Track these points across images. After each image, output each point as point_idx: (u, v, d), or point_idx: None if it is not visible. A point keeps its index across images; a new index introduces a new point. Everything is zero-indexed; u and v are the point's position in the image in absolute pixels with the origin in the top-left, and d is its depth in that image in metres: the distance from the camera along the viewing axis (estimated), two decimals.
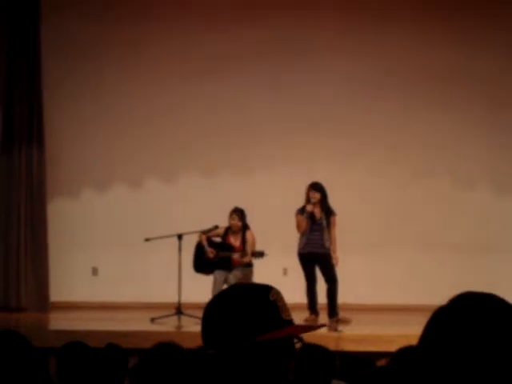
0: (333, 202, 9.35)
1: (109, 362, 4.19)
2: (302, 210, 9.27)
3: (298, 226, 9.28)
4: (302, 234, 9.26)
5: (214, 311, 1.81)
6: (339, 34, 11.30)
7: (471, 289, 1.49)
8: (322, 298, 9.26)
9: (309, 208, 9.19)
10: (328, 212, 9.30)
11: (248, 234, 9.49)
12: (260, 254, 9.10)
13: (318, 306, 9.27)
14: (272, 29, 11.32)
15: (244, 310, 1.76)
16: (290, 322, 1.81)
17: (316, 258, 9.25)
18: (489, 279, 10.05)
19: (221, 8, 11.41)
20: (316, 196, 9.22)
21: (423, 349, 1.46)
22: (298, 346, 1.84)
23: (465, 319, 1.43)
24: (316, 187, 9.26)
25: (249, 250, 9.35)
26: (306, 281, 9.29)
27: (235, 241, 9.53)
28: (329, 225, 9.28)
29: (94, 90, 11.45)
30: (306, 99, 11.37)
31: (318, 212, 9.23)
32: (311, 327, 2.07)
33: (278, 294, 1.82)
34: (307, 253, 9.23)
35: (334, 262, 9.25)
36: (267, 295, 1.79)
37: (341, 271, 9.25)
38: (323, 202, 9.26)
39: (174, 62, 11.45)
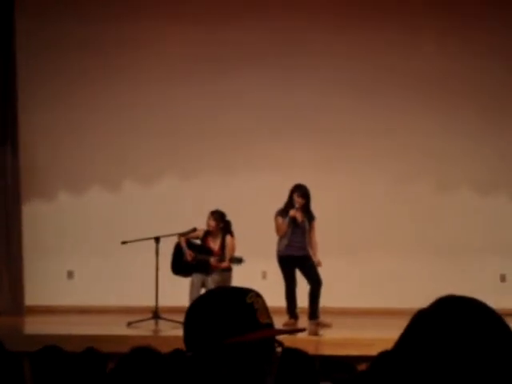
0: (315, 206, 9.31)
1: (87, 367, 4.16)
2: (282, 212, 9.19)
3: (278, 229, 9.21)
4: (282, 237, 9.19)
5: (193, 315, 1.80)
6: (334, 37, 11.24)
7: (452, 292, 1.48)
8: (301, 301, 9.21)
9: (291, 213, 9.11)
10: (309, 216, 9.24)
11: (228, 239, 9.39)
12: (238, 261, 9.00)
13: (298, 310, 9.22)
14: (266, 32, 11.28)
15: (220, 312, 1.75)
16: (269, 325, 1.78)
17: (296, 260, 9.19)
18: (470, 283, 10.05)
19: (215, 8, 11.32)
20: (301, 201, 9.13)
21: (403, 352, 1.44)
22: (278, 350, 1.80)
23: (446, 323, 1.41)
24: (301, 191, 9.16)
25: (227, 254, 9.26)
26: (285, 284, 9.22)
27: (214, 244, 9.44)
28: (309, 229, 9.23)
29: (71, 95, 11.34)
30: (289, 104, 11.30)
31: (300, 216, 9.16)
32: (287, 330, 2.07)
33: (256, 297, 1.79)
34: (287, 256, 9.16)
35: (316, 264, 9.20)
36: (244, 298, 1.77)
37: (321, 275, 9.21)
38: (306, 206, 9.20)
39: (156, 64, 11.35)
